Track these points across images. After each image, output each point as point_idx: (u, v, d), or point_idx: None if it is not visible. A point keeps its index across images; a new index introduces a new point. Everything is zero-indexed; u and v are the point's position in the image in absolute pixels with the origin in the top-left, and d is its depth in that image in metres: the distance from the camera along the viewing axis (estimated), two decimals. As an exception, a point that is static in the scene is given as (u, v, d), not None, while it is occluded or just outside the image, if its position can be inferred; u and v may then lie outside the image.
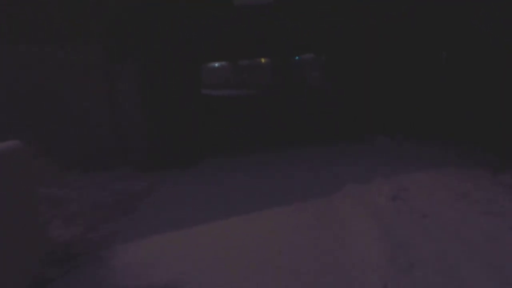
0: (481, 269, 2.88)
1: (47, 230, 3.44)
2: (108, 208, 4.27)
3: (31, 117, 5.77)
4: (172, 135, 6.99)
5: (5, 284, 2.46)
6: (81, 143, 5.88)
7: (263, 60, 28.82)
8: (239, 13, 7.62)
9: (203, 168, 6.24)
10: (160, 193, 5.03)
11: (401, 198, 4.33)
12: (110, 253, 3.37)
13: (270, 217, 4.02)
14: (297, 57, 25.17)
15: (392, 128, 8.13)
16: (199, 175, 5.84)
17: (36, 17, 5.54)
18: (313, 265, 3.03)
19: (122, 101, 5.95)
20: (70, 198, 4.04)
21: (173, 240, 3.60)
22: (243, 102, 16.52)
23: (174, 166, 6.17)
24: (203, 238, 3.62)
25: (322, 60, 22.49)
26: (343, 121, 10.23)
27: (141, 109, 6.06)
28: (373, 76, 12.25)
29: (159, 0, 6.38)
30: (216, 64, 29.81)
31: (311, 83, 22.81)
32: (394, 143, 7.18)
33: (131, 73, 5.95)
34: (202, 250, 3.37)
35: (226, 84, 26.77)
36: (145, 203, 4.65)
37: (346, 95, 14.15)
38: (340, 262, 3.06)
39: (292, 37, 11.72)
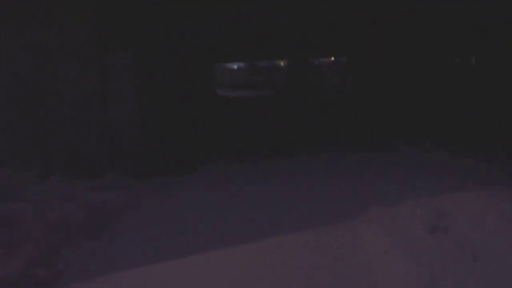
0: None
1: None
2: (72, 229, 3.38)
3: (8, 114, 5.01)
4: (172, 137, 6.15)
5: None
6: (65, 144, 5.06)
7: (282, 63, 28.24)
8: (252, 10, 6.92)
9: (203, 176, 5.26)
10: (145, 209, 4.11)
11: (442, 228, 3.33)
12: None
13: (276, 251, 3.10)
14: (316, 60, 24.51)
15: (418, 134, 7.18)
16: (196, 185, 4.86)
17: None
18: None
19: (116, 96, 5.07)
20: (25, 217, 3.25)
21: (146, 279, 2.73)
22: (257, 104, 15.82)
23: (171, 172, 5.23)
24: (186, 277, 2.74)
25: (342, 62, 21.73)
26: (363, 126, 9.23)
27: (137, 107, 5.14)
28: (396, 79, 11.44)
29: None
30: (235, 66, 29.42)
31: (331, 86, 21.99)
32: (422, 152, 6.15)
33: (126, 63, 5.04)
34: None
35: (244, 85, 26.30)
36: (123, 223, 3.74)
37: (367, 99, 13.32)
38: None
39: (310, 38, 11.03)
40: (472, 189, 4.26)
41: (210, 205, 4.21)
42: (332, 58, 23.96)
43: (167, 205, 4.21)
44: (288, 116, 11.18)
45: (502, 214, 3.58)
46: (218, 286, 2.60)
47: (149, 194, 4.46)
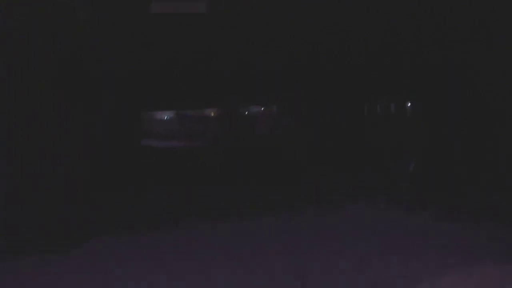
0: None
1: None
2: None
3: None
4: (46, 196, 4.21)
5: None
6: None
7: (212, 113, 27.63)
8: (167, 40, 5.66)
9: (87, 256, 3.40)
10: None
11: None
12: None
13: None
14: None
15: (362, 185, 6.05)
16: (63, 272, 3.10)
17: None
18: None
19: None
20: None
21: None
22: (181, 155, 14.35)
23: (40, 249, 3.37)
24: None
25: (273, 111, 21.38)
26: (293, 177, 7.45)
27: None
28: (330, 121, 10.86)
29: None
30: (165, 116, 28.47)
31: (261, 136, 21.40)
32: (373, 211, 4.54)
33: None
34: None
35: (172, 135, 25.18)
36: None
37: (300, 144, 12.62)
38: None
39: (240, 85, 10.12)
40: (461, 269, 2.99)
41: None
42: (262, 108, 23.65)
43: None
44: (213, 170, 9.41)
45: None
46: None
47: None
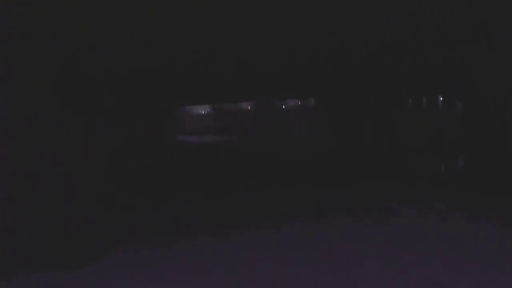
0: None
1: None
2: None
3: None
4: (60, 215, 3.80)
5: None
6: None
7: (249, 107, 27.48)
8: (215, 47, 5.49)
9: (101, 275, 3.03)
10: None
11: None
12: None
13: None
14: (283, 105, 23.73)
15: (420, 191, 5.22)
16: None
17: None
18: None
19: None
20: None
21: None
22: (215, 151, 13.80)
23: (51, 264, 3.11)
24: None
25: (310, 107, 20.94)
26: (344, 178, 7.11)
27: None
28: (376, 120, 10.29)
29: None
30: (202, 111, 28.49)
31: (298, 130, 20.95)
32: (433, 217, 4.03)
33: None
34: None
35: (208, 130, 25.10)
36: None
37: (342, 143, 12.10)
38: None
39: (279, 78, 9.84)
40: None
41: None
42: (299, 102, 23.21)
43: None
44: (249, 171, 8.53)
45: None
46: None
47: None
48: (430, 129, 9.08)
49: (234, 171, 8.19)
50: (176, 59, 5.93)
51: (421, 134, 9.08)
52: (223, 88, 11.09)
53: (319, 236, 3.45)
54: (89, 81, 4.17)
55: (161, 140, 11.21)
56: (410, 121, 9.34)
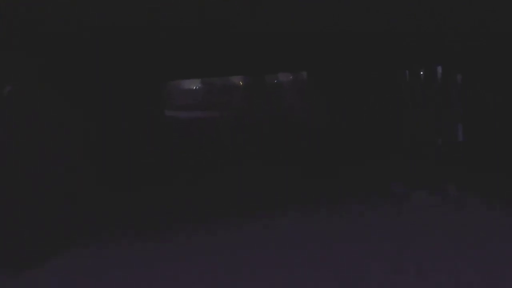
0: None
1: None
2: None
3: None
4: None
5: None
6: None
7: (241, 82, 27.07)
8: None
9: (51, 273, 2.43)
10: None
11: None
12: None
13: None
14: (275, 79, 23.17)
15: (426, 172, 4.52)
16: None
17: None
18: None
19: None
20: None
21: None
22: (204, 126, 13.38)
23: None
24: None
25: (303, 80, 20.36)
26: (346, 160, 6.03)
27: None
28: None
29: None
30: (194, 86, 28.18)
31: (291, 107, 20.42)
32: (446, 203, 3.40)
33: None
34: None
35: (198, 106, 24.76)
36: None
37: (345, 124, 11.44)
38: None
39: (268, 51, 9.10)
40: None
41: None
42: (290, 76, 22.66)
43: None
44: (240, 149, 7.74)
45: None
46: None
47: None
48: (434, 103, 8.57)
49: (225, 148, 7.66)
50: (164, 30, 5.28)
51: (426, 108, 8.59)
52: (211, 61, 10.40)
53: (320, 236, 2.83)
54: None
55: (148, 116, 10.57)
56: (415, 95, 8.80)
